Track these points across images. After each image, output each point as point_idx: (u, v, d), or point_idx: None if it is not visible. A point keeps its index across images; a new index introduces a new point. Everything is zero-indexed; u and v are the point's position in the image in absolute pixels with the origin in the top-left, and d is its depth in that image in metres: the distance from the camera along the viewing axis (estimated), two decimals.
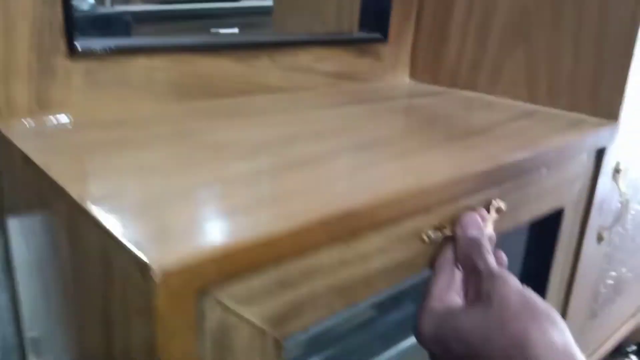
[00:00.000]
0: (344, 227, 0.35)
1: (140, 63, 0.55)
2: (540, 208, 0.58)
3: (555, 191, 0.59)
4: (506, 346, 0.34)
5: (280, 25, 0.81)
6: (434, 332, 0.39)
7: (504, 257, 0.45)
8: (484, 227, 0.44)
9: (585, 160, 0.63)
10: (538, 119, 0.65)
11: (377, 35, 0.80)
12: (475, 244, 0.42)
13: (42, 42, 0.49)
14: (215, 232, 0.30)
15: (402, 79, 0.86)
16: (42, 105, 0.50)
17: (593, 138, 0.62)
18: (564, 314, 0.73)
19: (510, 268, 0.66)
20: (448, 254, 0.43)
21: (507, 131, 0.59)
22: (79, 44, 0.50)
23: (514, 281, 0.38)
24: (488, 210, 0.47)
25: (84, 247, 0.34)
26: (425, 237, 0.43)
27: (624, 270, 0.93)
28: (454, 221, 0.44)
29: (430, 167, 0.44)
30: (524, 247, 0.71)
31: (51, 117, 0.50)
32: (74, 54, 0.50)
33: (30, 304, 0.52)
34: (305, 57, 0.70)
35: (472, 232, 0.42)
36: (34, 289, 0.49)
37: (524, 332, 0.34)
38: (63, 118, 0.51)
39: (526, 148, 0.52)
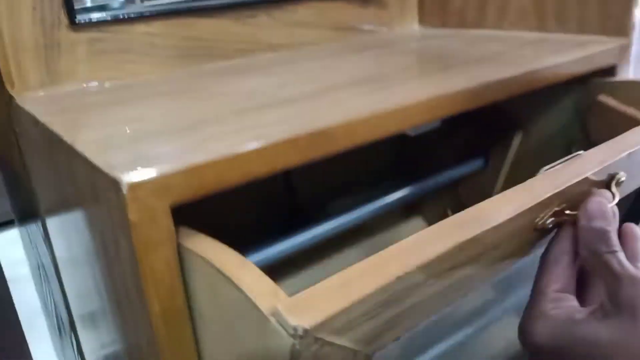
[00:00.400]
0: (314, 145, 0.36)
1: (140, 29, 0.58)
2: None
3: None
4: None
5: None
6: (552, 342, 0.34)
7: (636, 230, 0.38)
8: (613, 214, 0.36)
9: None
10: (544, 45, 0.64)
11: None
12: (604, 238, 0.35)
13: (45, 16, 0.52)
14: (184, 155, 0.32)
15: (411, 26, 0.86)
16: (52, 76, 0.53)
17: (599, 55, 0.60)
18: None
19: None
20: (565, 245, 0.37)
21: (507, 58, 0.58)
22: (79, 16, 0.54)
23: None
24: (609, 187, 0.40)
25: (79, 185, 0.37)
26: (540, 224, 0.36)
27: None
28: (575, 204, 0.37)
29: (412, 92, 0.45)
30: None
31: (60, 86, 0.54)
32: (75, 25, 0.54)
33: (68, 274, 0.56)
34: (306, 12, 0.71)
35: (599, 222, 0.35)
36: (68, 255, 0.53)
37: None
38: (70, 86, 0.54)
39: (519, 68, 0.52)
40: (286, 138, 0.34)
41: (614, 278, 0.33)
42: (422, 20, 0.86)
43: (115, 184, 0.29)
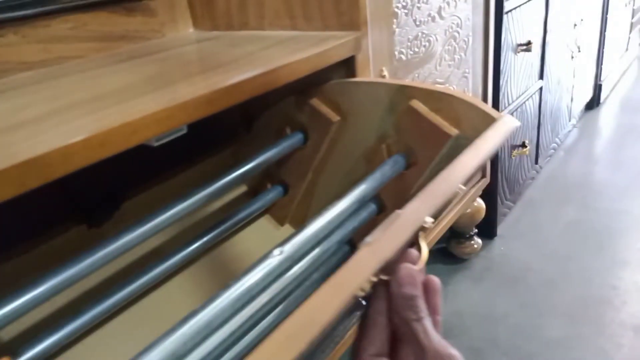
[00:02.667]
0: (27, 175, 0.37)
1: None
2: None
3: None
4: None
5: None
6: None
7: (437, 285, 0.40)
8: (420, 279, 0.38)
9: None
10: (289, 43, 0.70)
11: None
12: (413, 305, 0.37)
13: None
14: None
15: (186, 31, 0.88)
16: None
17: (336, 49, 0.67)
18: None
19: None
20: (380, 307, 0.38)
21: (252, 59, 0.63)
22: None
23: None
24: (418, 237, 0.41)
25: None
26: (359, 293, 0.36)
27: None
28: (389, 268, 0.38)
29: (143, 107, 0.48)
30: None
31: None
32: None
33: None
34: (61, 26, 0.70)
35: (408, 289, 0.37)
36: None
37: None
38: None
39: (254, 70, 0.57)
40: None
41: (421, 349, 0.35)
42: (197, 24, 0.89)
43: None
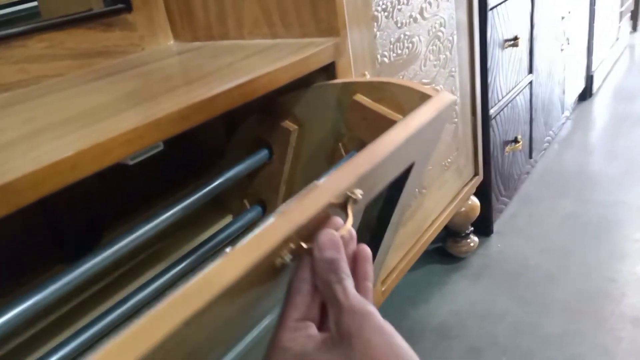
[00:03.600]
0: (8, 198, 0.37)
1: None
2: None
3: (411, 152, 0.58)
4: None
5: None
6: None
7: (368, 252, 0.41)
8: (342, 243, 0.38)
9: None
10: (269, 52, 0.70)
11: (119, 5, 0.80)
12: (333, 267, 0.37)
13: None
14: None
15: (166, 43, 0.88)
16: None
17: (316, 55, 0.67)
18: None
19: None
20: (304, 274, 0.38)
21: (231, 70, 0.63)
22: None
23: (376, 319, 0.35)
24: (346, 202, 0.42)
25: None
26: (279, 261, 0.37)
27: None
28: (311, 235, 0.38)
29: (116, 126, 0.47)
30: None
31: None
32: None
33: None
34: (38, 46, 0.70)
35: (330, 253, 0.37)
36: None
37: None
38: None
39: (232, 82, 0.56)
40: None
41: (338, 307, 0.35)
42: (177, 36, 0.88)
43: None
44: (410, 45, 0.92)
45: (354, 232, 0.41)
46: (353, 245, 0.41)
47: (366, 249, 0.41)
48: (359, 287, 0.38)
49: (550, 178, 1.83)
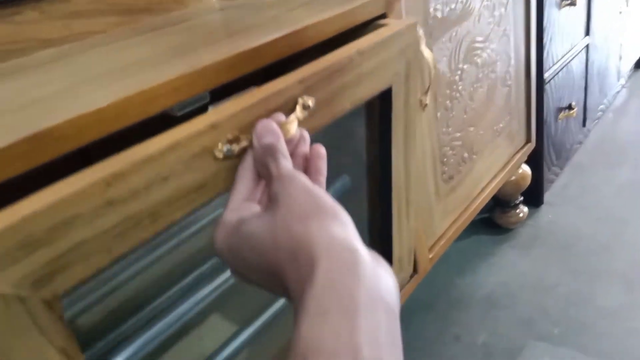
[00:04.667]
0: (41, 148, 0.35)
1: None
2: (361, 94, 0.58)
3: (376, 72, 0.59)
4: (292, 246, 0.34)
5: None
6: (227, 243, 0.38)
7: (321, 150, 0.44)
8: (282, 131, 0.41)
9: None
10: (315, 4, 0.66)
11: None
12: (270, 150, 0.39)
13: None
14: None
15: (209, 0, 0.85)
16: None
17: (364, 8, 0.63)
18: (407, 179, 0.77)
19: (355, 153, 0.68)
20: (247, 163, 0.41)
21: (276, 22, 0.60)
22: None
23: (302, 180, 0.37)
24: (295, 106, 0.45)
25: None
26: (218, 153, 0.40)
27: (471, 129, 0.99)
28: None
29: (162, 75, 0.45)
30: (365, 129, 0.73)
31: None
32: None
33: None
34: (81, 1, 0.68)
35: (267, 139, 0.40)
36: None
37: (307, 230, 0.33)
38: None
39: (277, 32, 0.53)
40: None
41: (270, 179, 0.38)
42: None
43: None
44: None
45: (306, 134, 0.44)
46: (305, 145, 0.44)
47: (320, 148, 0.44)
48: (312, 181, 0.40)
49: (605, 147, 1.74)
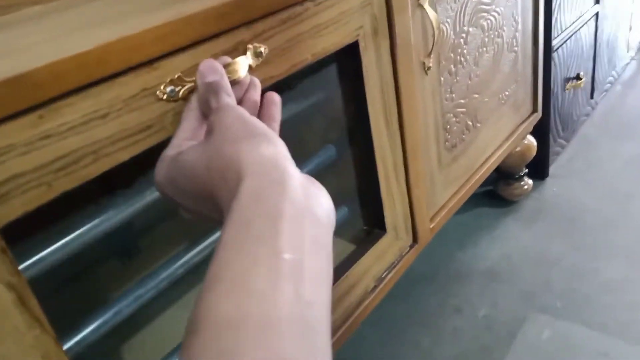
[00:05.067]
0: (19, 93, 0.33)
1: None
2: (321, 45, 0.57)
3: (336, 25, 0.58)
4: (222, 167, 0.34)
5: None
6: (165, 175, 0.38)
7: (275, 97, 0.45)
8: (227, 72, 0.42)
9: None
10: None
11: None
12: (212, 88, 0.40)
13: None
14: None
15: None
16: None
17: None
18: (403, 146, 0.75)
19: (330, 108, 0.67)
20: (192, 104, 0.42)
21: None
22: None
23: (238, 111, 0.38)
24: (244, 52, 0.46)
25: None
26: (160, 94, 0.42)
27: (476, 96, 0.96)
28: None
29: (149, 22, 0.42)
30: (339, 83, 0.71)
31: None
32: None
33: None
34: None
35: (210, 77, 0.41)
36: None
37: (237, 151, 0.34)
38: None
39: None
40: None
41: (210, 112, 0.39)
42: None
43: None
44: None
45: (256, 80, 0.46)
46: (256, 92, 0.45)
47: (274, 95, 0.45)
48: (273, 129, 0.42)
49: (613, 120, 1.71)
